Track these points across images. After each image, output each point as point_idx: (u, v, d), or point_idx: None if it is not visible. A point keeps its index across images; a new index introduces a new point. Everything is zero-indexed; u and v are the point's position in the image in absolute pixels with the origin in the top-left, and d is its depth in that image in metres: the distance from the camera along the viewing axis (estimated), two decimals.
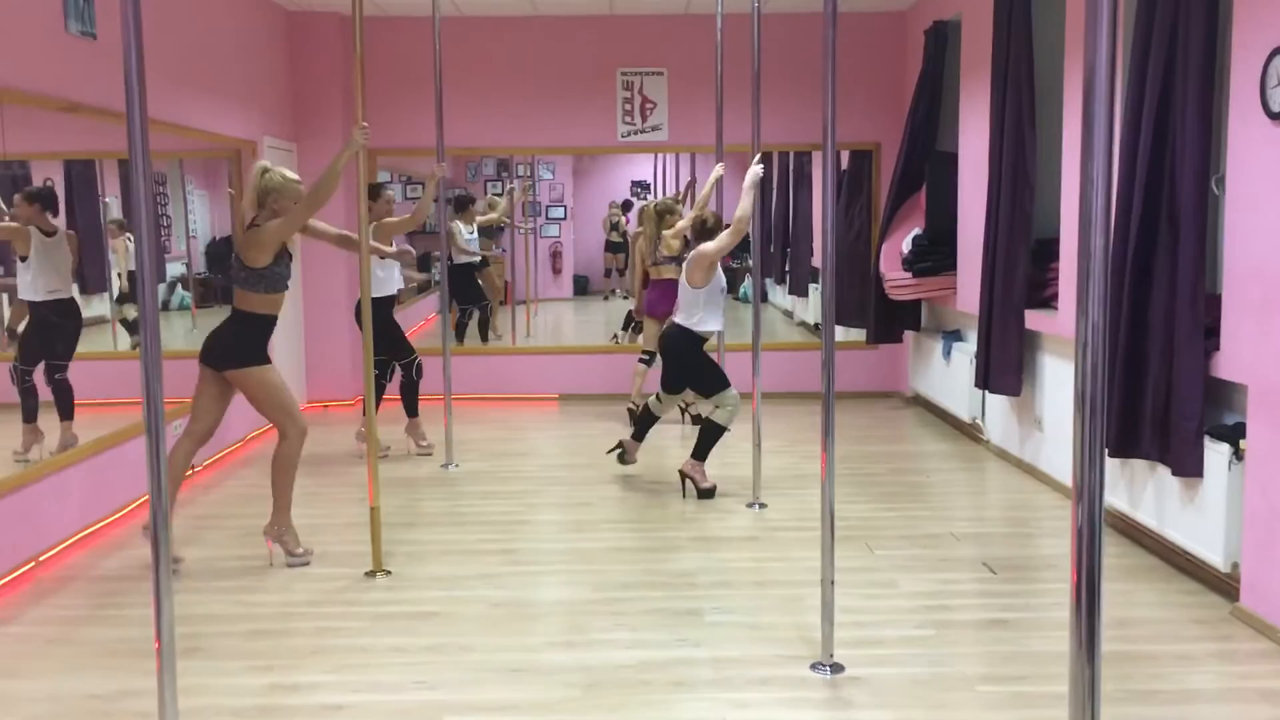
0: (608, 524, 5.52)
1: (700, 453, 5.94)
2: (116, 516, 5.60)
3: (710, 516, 5.64)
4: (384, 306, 6.77)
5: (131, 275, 6.09)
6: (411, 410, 7.02)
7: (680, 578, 4.70)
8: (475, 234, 10.38)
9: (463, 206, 10.35)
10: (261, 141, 7.86)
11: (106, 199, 6.10)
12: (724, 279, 5.97)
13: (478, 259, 10.33)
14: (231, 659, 3.84)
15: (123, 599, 4.48)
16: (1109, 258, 2.06)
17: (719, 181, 6.41)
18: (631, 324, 9.81)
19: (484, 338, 10.39)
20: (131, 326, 5.98)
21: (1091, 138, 2.03)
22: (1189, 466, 4.39)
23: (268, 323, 4.79)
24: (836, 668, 3.68)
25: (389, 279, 6.87)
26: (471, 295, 10.15)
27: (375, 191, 6.68)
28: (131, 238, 5.87)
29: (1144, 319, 4.64)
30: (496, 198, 11.53)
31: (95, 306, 6.14)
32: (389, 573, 4.73)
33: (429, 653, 3.88)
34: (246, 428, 7.50)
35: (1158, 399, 4.55)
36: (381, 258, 6.62)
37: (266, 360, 4.80)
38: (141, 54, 2.63)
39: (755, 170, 5.60)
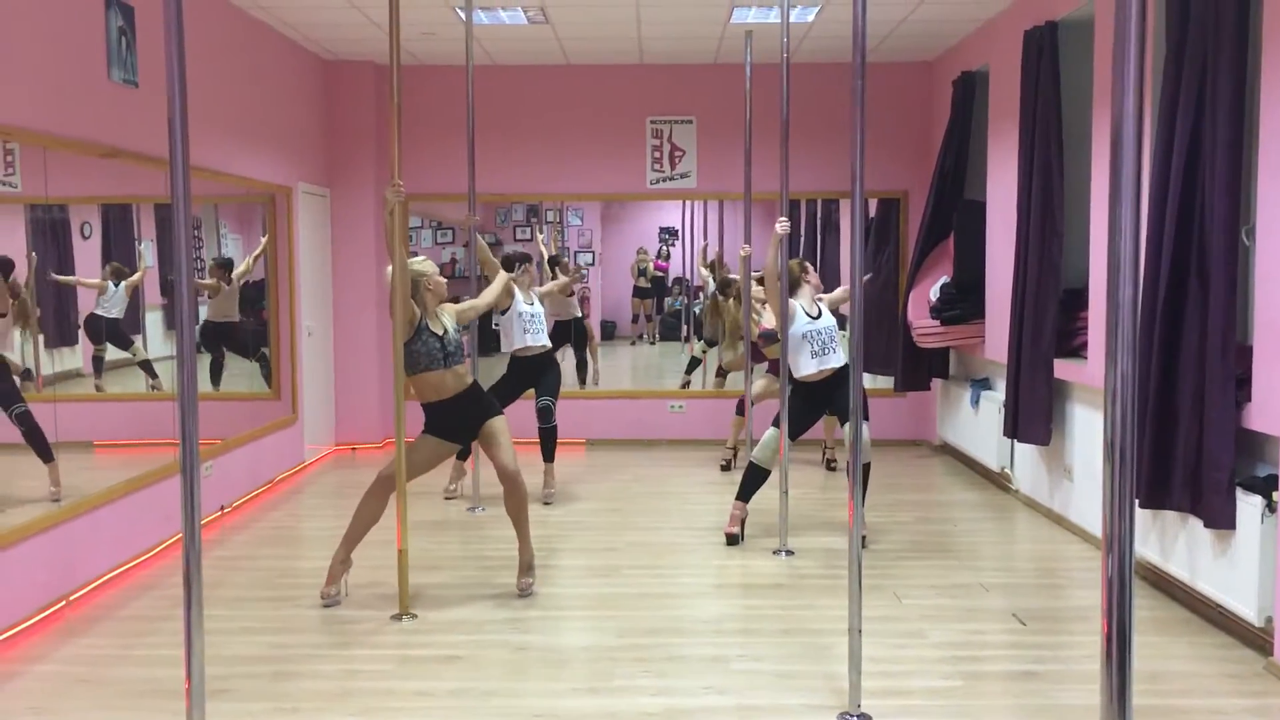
0: (633, 569, 5.51)
1: (740, 493, 5.97)
2: (147, 557, 5.64)
3: (736, 563, 5.62)
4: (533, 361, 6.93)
5: (94, 319, 5.97)
6: (464, 455, 7.08)
7: (706, 624, 4.68)
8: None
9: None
10: (296, 187, 7.98)
11: (141, 244, 6.19)
12: (810, 323, 5.87)
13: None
14: (259, 700, 3.85)
15: (151, 639, 4.50)
16: (1138, 307, 2.06)
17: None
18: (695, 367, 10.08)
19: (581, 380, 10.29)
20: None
21: (1120, 187, 2.04)
22: (1221, 518, 4.34)
23: (428, 409, 5.03)
24: (864, 718, 3.65)
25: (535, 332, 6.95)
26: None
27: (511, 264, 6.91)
28: (112, 284, 5.89)
29: (1174, 369, 4.61)
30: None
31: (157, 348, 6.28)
32: (415, 616, 4.73)
33: (453, 697, 3.88)
34: (273, 470, 7.56)
35: (1188, 450, 4.51)
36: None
37: (426, 432, 5.03)
38: (185, 103, 2.68)
39: (777, 229, 5.65)
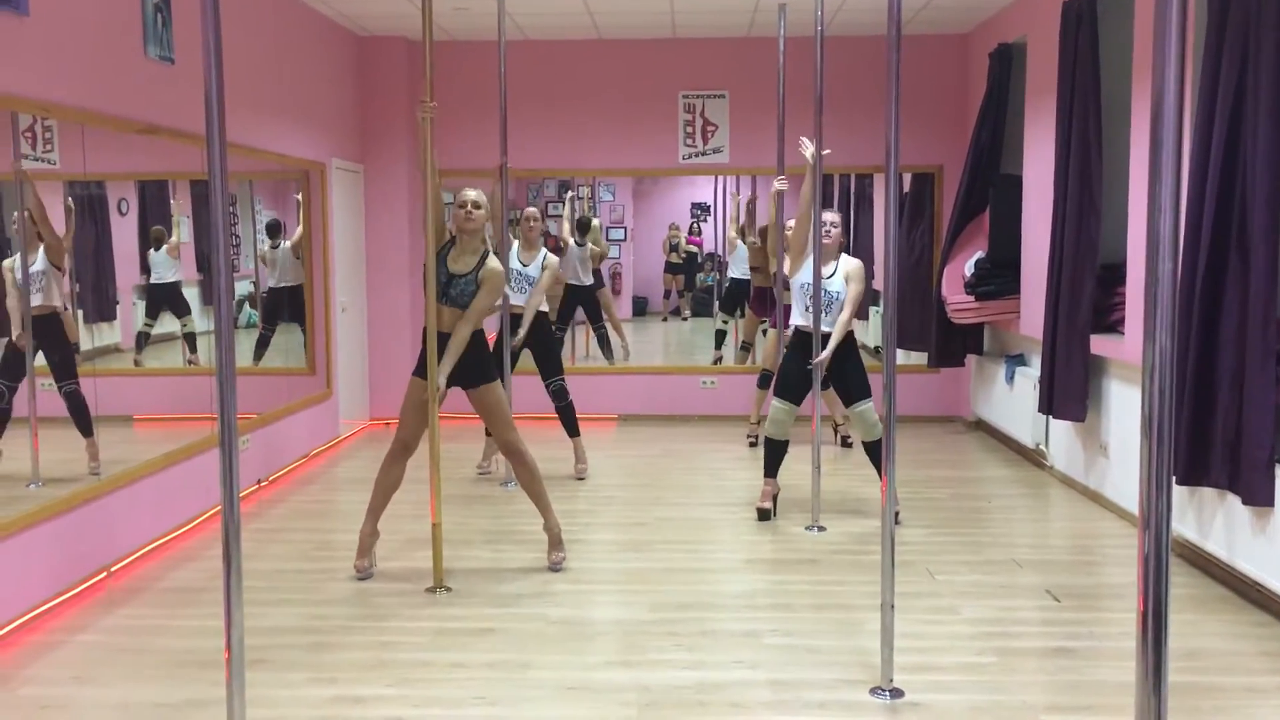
0: (664, 544, 5.53)
1: (766, 469, 5.97)
2: (187, 528, 5.72)
3: (768, 539, 5.63)
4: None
5: (147, 289, 6.02)
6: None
7: (738, 599, 4.70)
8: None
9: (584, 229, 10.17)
10: (330, 163, 8.01)
11: (177, 220, 6.25)
12: (831, 283, 5.74)
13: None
14: (296, 671, 3.90)
15: (191, 610, 4.57)
16: (1177, 283, 2.04)
17: (780, 196, 6.58)
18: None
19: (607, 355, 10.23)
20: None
21: (1160, 161, 2.02)
22: (1260, 495, 4.30)
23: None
24: (896, 693, 3.66)
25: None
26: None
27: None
28: (153, 250, 5.95)
29: (1213, 345, 4.56)
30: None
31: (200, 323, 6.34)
32: (449, 589, 4.78)
33: (488, 669, 3.92)
34: (309, 445, 7.63)
35: (1227, 426, 4.47)
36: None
37: (414, 375, 4.97)
38: (221, 79, 2.70)
39: (805, 154, 5.62)
